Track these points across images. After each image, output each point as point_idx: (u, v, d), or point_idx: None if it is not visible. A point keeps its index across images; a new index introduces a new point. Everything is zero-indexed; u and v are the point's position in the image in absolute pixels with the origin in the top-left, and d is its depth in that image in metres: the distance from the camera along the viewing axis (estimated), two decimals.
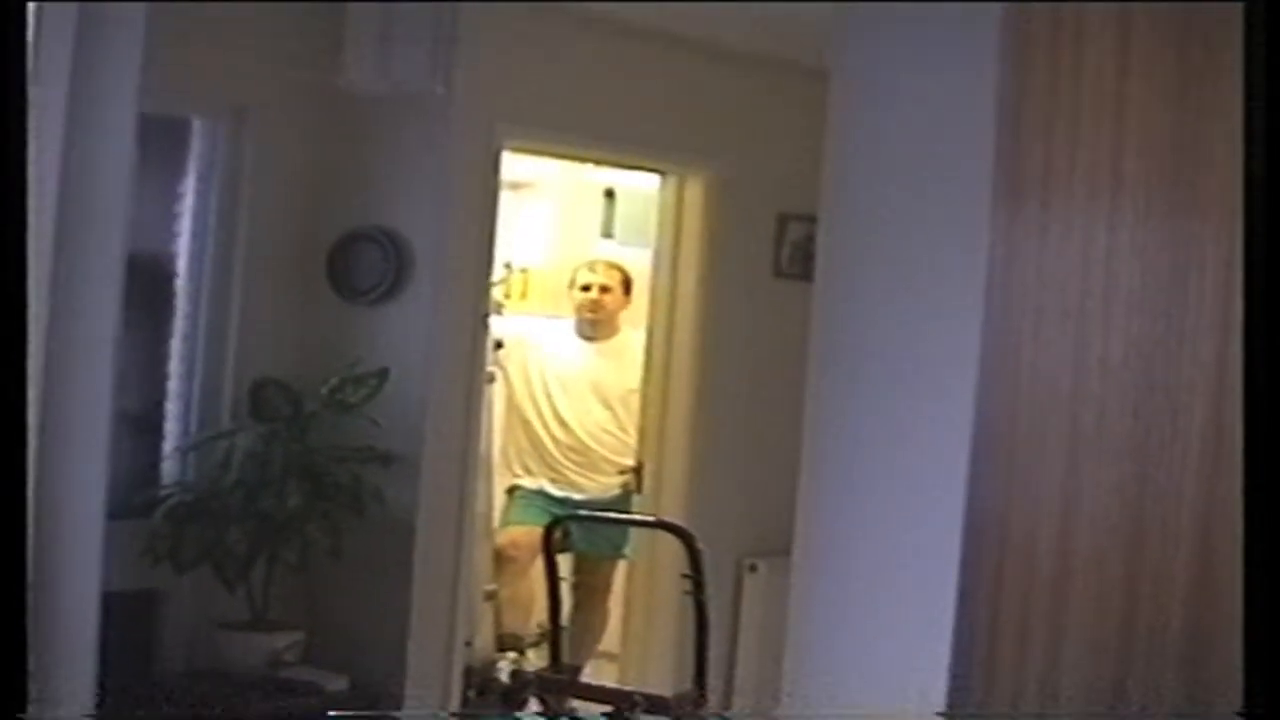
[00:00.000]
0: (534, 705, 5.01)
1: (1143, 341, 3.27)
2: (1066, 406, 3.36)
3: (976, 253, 3.48)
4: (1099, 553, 3.32)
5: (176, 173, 4.90)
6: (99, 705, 3.76)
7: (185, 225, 4.91)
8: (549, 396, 6.52)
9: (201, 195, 4.92)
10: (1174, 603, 3.21)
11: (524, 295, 7.20)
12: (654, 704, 4.26)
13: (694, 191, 5.81)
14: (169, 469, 4.92)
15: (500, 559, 6.37)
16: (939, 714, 3.48)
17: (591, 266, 6.56)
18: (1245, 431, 2.93)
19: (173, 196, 4.90)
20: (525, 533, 6.19)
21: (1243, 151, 2.95)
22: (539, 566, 5.26)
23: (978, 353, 3.48)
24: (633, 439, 6.21)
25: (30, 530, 3.47)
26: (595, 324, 6.51)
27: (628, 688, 5.08)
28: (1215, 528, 3.10)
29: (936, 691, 3.51)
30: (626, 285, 6.51)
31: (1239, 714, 2.85)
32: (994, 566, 3.46)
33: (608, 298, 6.47)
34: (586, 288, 6.48)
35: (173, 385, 4.93)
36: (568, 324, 6.62)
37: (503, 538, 6.40)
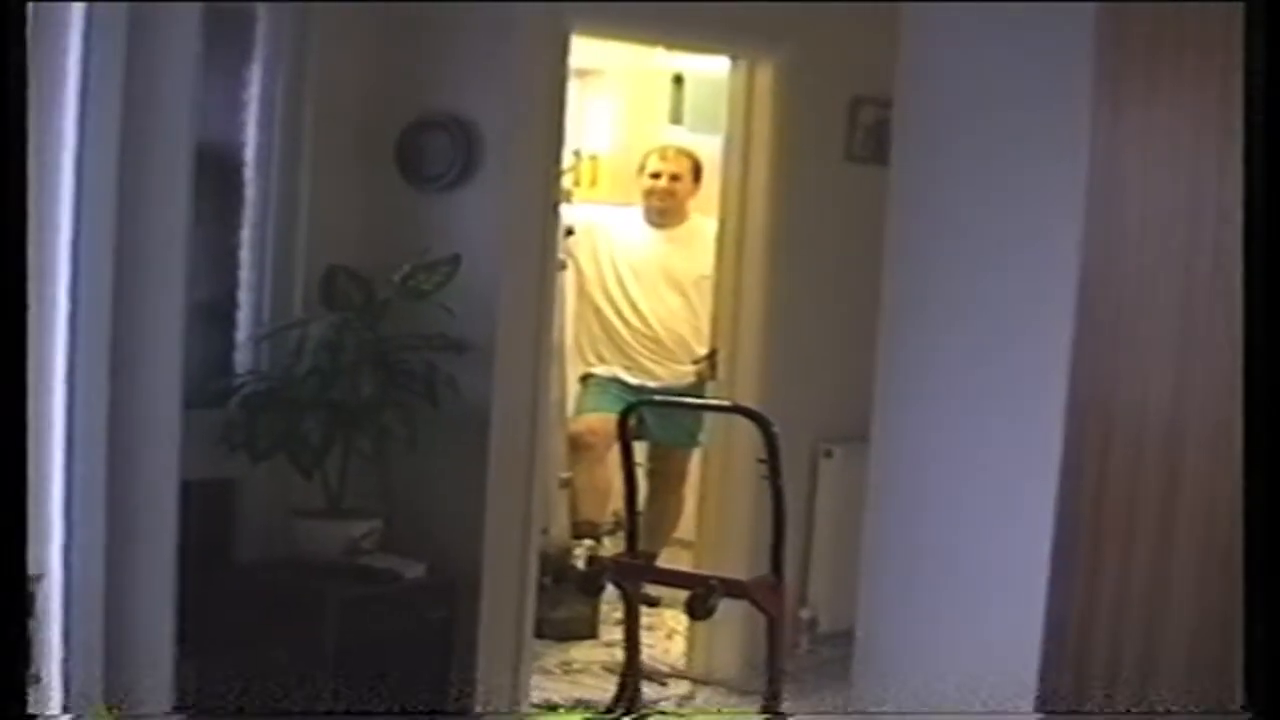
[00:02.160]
0: (610, 591, 5.03)
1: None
2: (1181, 257, 3.25)
3: (1076, 120, 3.37)
4: (1216, 418, 3.21)
5: (242, 62, 4.86)
6: (179, 594, 3.80)
7: (252, 114, 4.88)
8: (621, 284, 6.49)
9: (268, 84, 4.88)
10: None
11: (593, 183, 7.17)
12: (730, 588, 4.25)
13: (764, 75, 5.72)
14: (242, 358, 4.93)
15: (576, 446, 6.38)
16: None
17: (662, 153, 6.51)
18: (1245, 432, 2.86)
19: (239, 86, 4.87)
20: (601, 420, 6.18)
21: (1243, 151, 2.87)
22: (615, 454, 5.25)
23: (1075, 230, 3.38)
24: (706, 326, 6.18)
25: (106, 421, 3.51)
26: (664, 211, 6.48)
27: (704, 572, 5.08)
28: None
29: (1035, 587, 3.44)
30: (697, 172, 6.46)
31: (1239, 712, 2.82)
32: (1099, 448, 3.37)
33: (678, 185, 6.43)
34: (656, 175, 6.44)
35: (244, 275, 4.93)
36: (637, 211, 6.58)
37: (579, 425, 6.40)
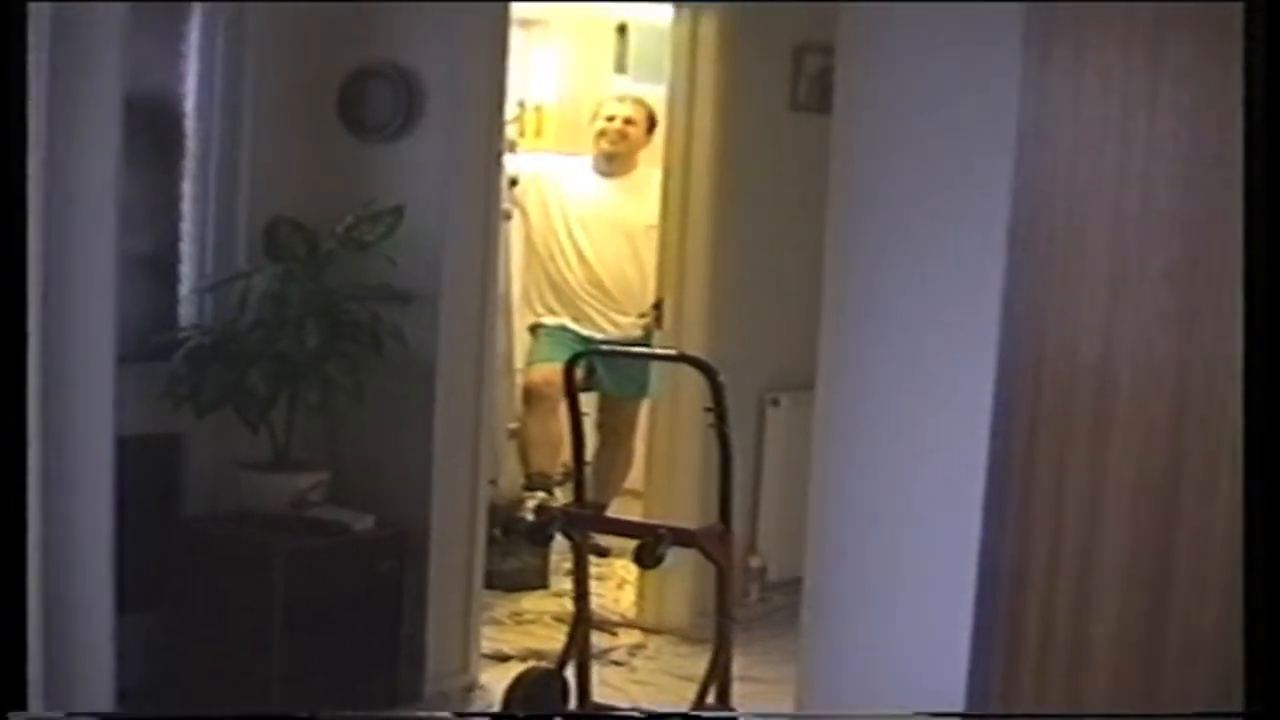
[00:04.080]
0: (560, 541, 5.04)
1: (1195, 112, 3.15)
2: (1111, 188, 3.26)
3: (1008, 65, 3.38)
4: (1146, 345, 3.23)
5: (182, 11, 4.81)
6: (119, 548, 3.78)
7: (192, 65, 4.83)
8: (569, 233, 6.47)
9: (208, 34, 4.83)
10: (1228, 393, 3.08)
11: (538, 133, 7.13)
12: (679, 537, 4.25)
13: (708, 24, 5.70)
14: (186, 311, 4.89)
15: (531, 396, 6.36)
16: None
17: (619, 97, 6.52)
18: (1245, 434, 2.88)
19: (179, 36, 4.81)
20: (555, 370, 6.17)
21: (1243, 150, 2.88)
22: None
23: (1009, 174, 3.39)
24: (654, 276, 6.18)
25: (38, 375, 3.46)
26: (614, 158, 6.46)
27: (653, 521, 5.09)
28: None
29: (969, 526, 3.47)
30: (651, 123, 6.44)
31: (1239, 714, 2.84)
32: (1031, 381, 3.38)
33: (631, 129, 6.42)
34: (611, 118, 6.42)
35: (186, 227, 4.88)
36: (585, 161, 6.56)
37: (534, 375, 6.38)
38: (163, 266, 4.85)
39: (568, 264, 6.48)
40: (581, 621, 4.58)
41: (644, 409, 6.40)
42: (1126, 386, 3.26)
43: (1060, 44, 3.33)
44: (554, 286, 6.49)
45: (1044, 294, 3.38)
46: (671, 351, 5.64)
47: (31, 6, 3.36)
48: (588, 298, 6.47)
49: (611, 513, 5.87)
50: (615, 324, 6.45)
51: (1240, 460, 2.99)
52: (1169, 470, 3.23)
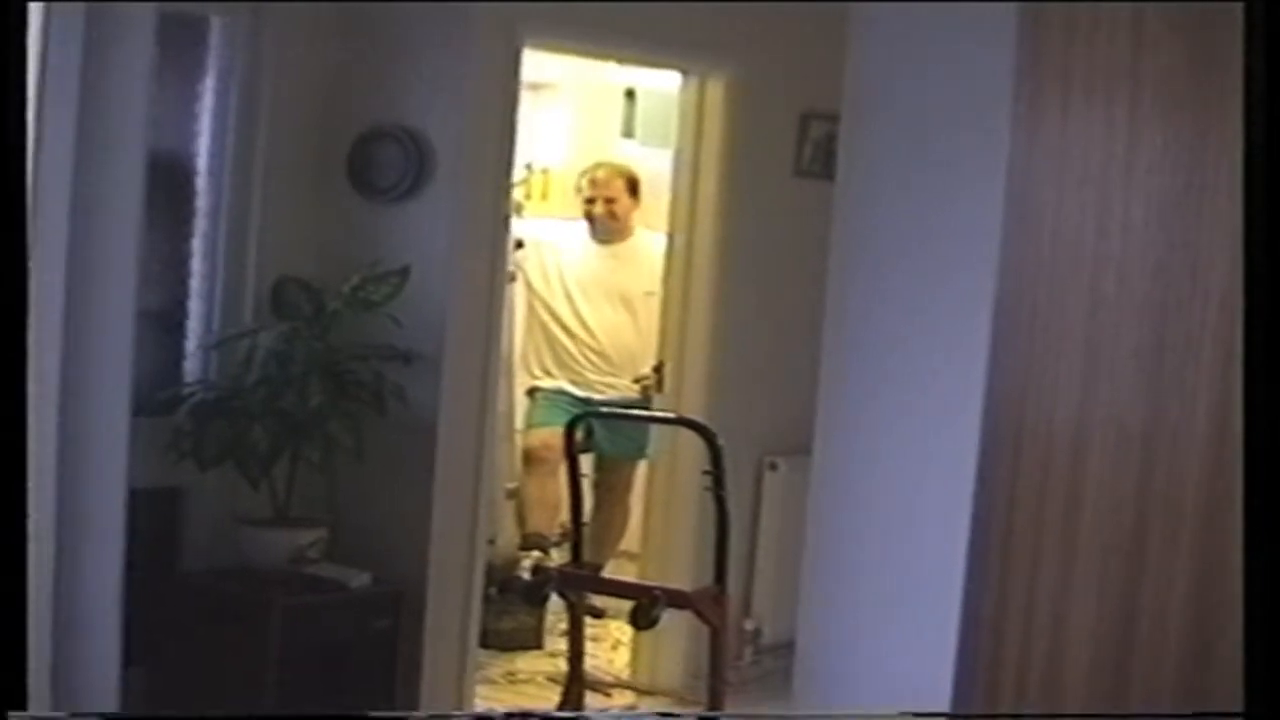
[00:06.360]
0: (556, 601, 5.06)
1: (1164, 202, 3.28)
2: (1088, 272, 3.38)
3: (998, 145, 3.47)
4: (1118, 417, 3.36)
5: (196, 70, 4.88)
6: (125, 601, 3.81)
7: (205, 124, 4.90)
8: (568, 298, 6.53)
9: (221, 94, 4.90)
10: (1191, 464, 3.25)
11: (544, 196, 7.19)
12: (674, 598, 4.28)
13: (715, 91, 5.76)
14: (192, 367, 4.94)
15: (531, 459, 6.40)
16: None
17: (592, 177, 6.56)
18: (1245, 432, 2.93)
19: (192, 95, 4.88)
20: (554, 434, 6.20)
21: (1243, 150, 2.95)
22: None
23: (998, 249, 3.49)
24: (652, 341, 6.21)
25: (56, 427, 3.51)
26: (604, 230, 6.53)
27: (648, 583, 5.11)
28: (1233, 386, 3.12)
29: (953, 589, 3.54)
30: (632, 187, 6.50)
31: (1239, 715, 2.87)
32: (1011, 448, 3.49)
33: (614, 206, 6.49)
34: (591, 199, 6.50)
35: (195, 284, 4.94)
36: (584, 226, 6.62)
37: (534, 439, 6.42)
38: (170, 322, 4.90)
39: (565, 329, 6.53)
40: (575, 682, 4.61)
41: (641, 470, 6.43)
42: (1097, 456, 3.38)
43: (1044, 128, 3.44)
44: (553, 350, 6.54)
45: (1025, 369, 3.50)
46: (671, 415, 5.67)
47: (57, 60, 3.44)
48: (585, 362, 6.51)
49: (607, 574, 5.89)
50: (613, 387, 6.48)
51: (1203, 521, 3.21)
52: (1135, 534, 3.35)
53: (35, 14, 3.46)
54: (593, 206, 6.52)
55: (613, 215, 6.49)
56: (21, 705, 2.86)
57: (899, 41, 3.86)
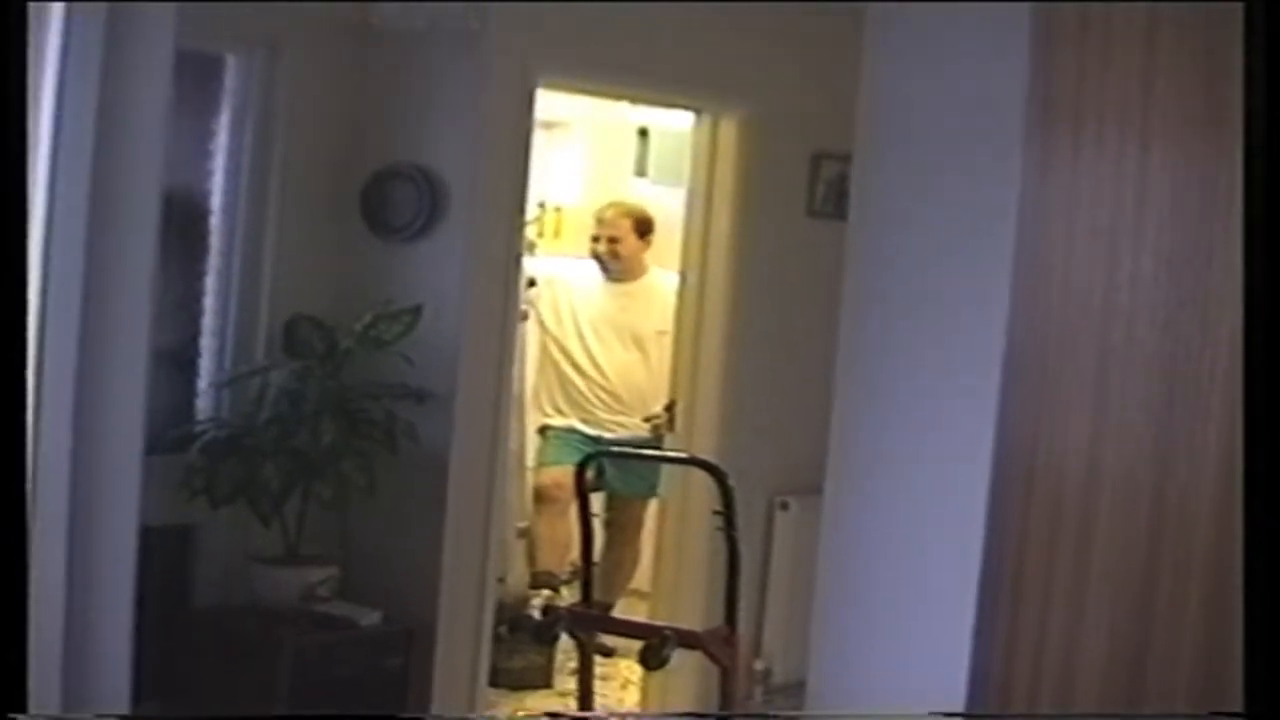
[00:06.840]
0: (566, 640, 5.05)
1: (1173, 256, 3.29)
2: (1098, 324, 3.39)
3: (1009, 188, 3.49)
4: (1127, 468, 3.36)
5: (211, 109, 4.91)
6: (137, 638, 3.81)
7: (219, 162, 4.92)
8: (580, 337, 6.53)
9: (235, 132, 4.92)
10: (1200, 515, 3.26)
11: (557, 234, 7.21)
12: (684, 638, 4.27)
13: (728, 130, 5.78)
14: (204, 405, 4.95)
15: (542, 498, 6.39)
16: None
17: (599, 218, 6.56)
18: (1246, 441, 2.93)
19: (207, 133, 4.91)
20: (566, 473, 6.20)
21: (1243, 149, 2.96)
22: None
23: (1009, 299, 3.50)
24: (662, 382, 6.21)
25: (69, 464, 3.52)
26: (614, 270, 6.53)
27: (659, 623, 5.10)
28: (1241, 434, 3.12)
29: (964, 630, 3.54)
30: (640, 227, 6.50)
31: (1239, 715, 2.87)
32: (1022, 494, 3.49)
33: (619, 246, 6.48)
34: (596, 239, 6.51)
35: (207, 322, 4.96)
36: (596, 265, 6.63)
37: (545, 478, 6.41)
38: (182, 360, 4.91)
39: (577, 367, 6.53)
40: None
41: (652, 510, 6.42)
42: (1108, 499, 3.38)
43: (1057, 179, 3.46)
44: (564, 388, 6.54)
45: (1035, 415, 3.51)
46: (682, 454, 5.67)
47: (73, 100, 3.45)
48: (596, 401, 6.51)
49: (618, 613, 5.88)
50: (624, 426, 6.48)
51: (1213, 562, 3.20)
52: (1144, 578, 3.35)
53: (52, 52, 3.48)
54: (597, 245, 6.52)
55: (615, 255, 6.49)
56: (22, 707, 2.86)
57: (910, 82, 3.88)
